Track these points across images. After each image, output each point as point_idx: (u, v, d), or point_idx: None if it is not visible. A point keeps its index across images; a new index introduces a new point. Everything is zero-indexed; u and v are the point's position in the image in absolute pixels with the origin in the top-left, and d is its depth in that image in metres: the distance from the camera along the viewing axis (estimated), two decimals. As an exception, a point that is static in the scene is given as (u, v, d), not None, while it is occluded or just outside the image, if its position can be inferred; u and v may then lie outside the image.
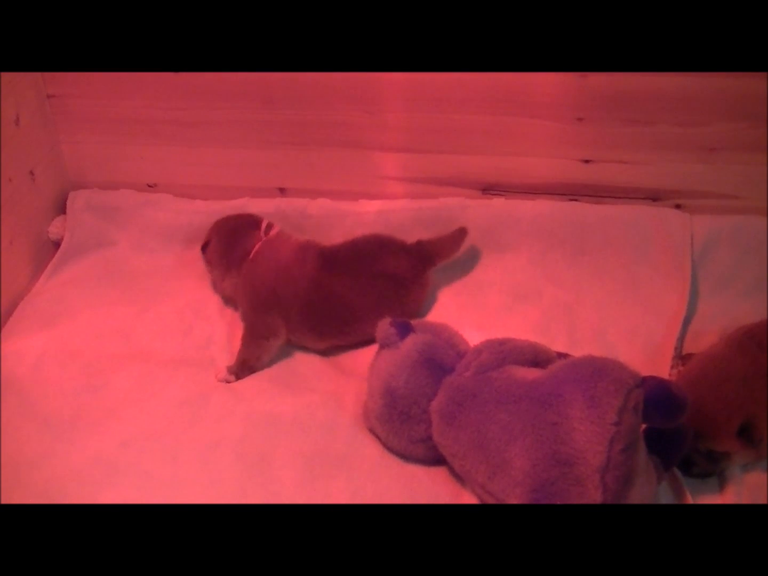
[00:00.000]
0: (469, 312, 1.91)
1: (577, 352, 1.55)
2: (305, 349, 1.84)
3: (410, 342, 1.56)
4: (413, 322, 1.62)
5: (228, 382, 1.77)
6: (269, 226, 1.95)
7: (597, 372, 1.35)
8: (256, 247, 1.92)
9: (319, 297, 1.83)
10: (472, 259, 2.01)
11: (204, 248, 2.00)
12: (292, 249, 1.91)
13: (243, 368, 1.80)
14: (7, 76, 1.92)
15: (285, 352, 1.83)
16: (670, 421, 1.35)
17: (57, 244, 2.13)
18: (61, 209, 2.16)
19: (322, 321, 1.84)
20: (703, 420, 1.45)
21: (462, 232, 1.93)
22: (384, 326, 1.60)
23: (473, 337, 1.63)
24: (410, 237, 1.97)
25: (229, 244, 1.95)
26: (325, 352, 1.84)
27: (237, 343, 1.84)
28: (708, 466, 1.50)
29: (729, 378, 1.48)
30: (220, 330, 1.90)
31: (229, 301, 1.98)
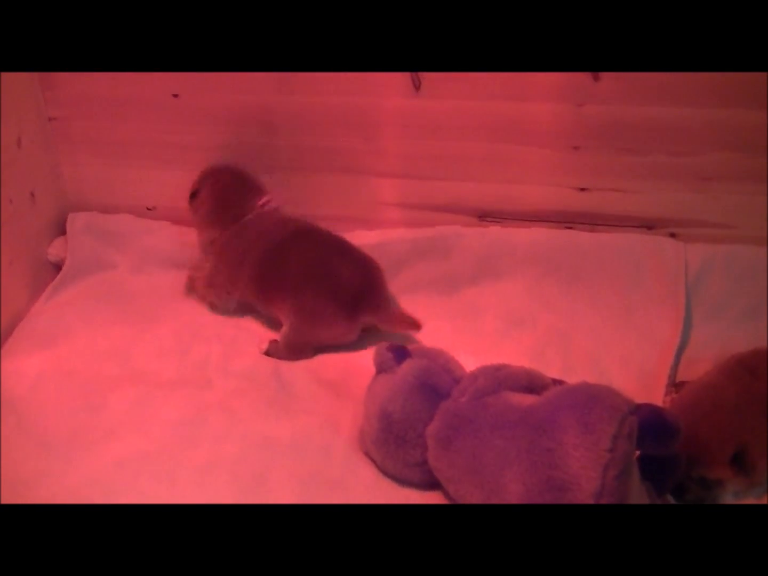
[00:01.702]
0: (464, 337, 1.92)
1: (572, 378, 1.56)
2: (302, 372, 1.85)
3: (407, 367, 1.57)
4: (410, 347, 1.63)
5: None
6: (267, 202, 2.01)
7: (591, 398, 1.36)
8: (249, 216, 1.98)
9: (268, 267, 1.93)
10: (468, 286, 2.02)
11: (192, 196, 2.04)
12: (272, 222, 1.98)
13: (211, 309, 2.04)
14: (9, 98, 1.94)
15: (283, 375, 1.83)
16: (663, 448, 1.36)
17: (56, 266, 2.14)
18: (61, 231, 2.18)
19: (266, 287, 1.94)
20: (697, 447, 1.46)
21: (413, 326, 1.83)
22: (381, 351, 1.61)
23: (468, 362, 1.64)
24: (408, 267, 2.01)
25: (221, 205, 2.01)
26: (320, 378, 1.84)
27: (234, 365, 1.86)
28: (701, 494, 1.50)
29: (722, 405, 1.49)
30: (218, 351, 1.90)
31: (202, 247, 2.07)
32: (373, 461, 1.60)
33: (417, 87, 1.91)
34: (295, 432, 1.66)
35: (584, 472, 1.30)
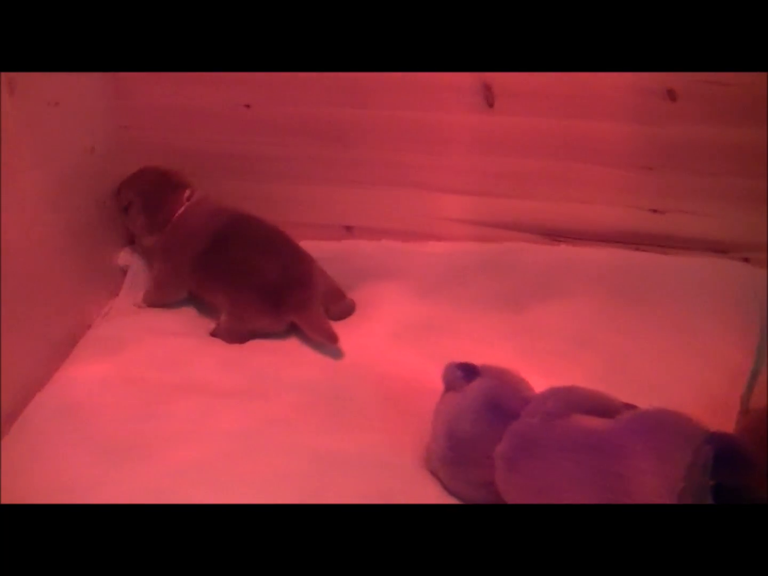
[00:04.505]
0: (528, 357, 1.88)
1: (638, 402, 1.53)
2: (366, 387, 1.83)
3: (476, 386, 1.55)
4: (480, 366, 1.61)
5: (139, 307, 2.08)
6: (191, 194, 2.06)
7: (665, 425, 1.34)
8: (179, 211, 2.03)
9: (204, 262, 1.99)
10: (533, 304, 2.00)
11: (125, 211, 2.09)
12: (206, 214, 2.04)
13: (151, 305, 2.09)
14: (84, 106, 1.98)
15: (345, 389, 1.82)
16: (739, 479, 1.33)
17: (125, 272, 2.17)
18: (130, 238, 2.20)
19: (203, 280, 2.01)
20: None
21: (329, 338, 1.91)
22: (450, 369, 1.59)
23: (532, 382, 1.61)
24: (473, 280, 1.99)
25: (153, 207, 2.05)
26: (385, 394, 1.82)
27: (295, 378, 1.84)
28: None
29: None
30: (279, 363, 1.89)
31: (147, 252, 2.14)
32: (439, 480, 1.58)
33: (490, 104, 1.90)
34: (357, 447, 1.64)
35: (656, 500, 1.28)
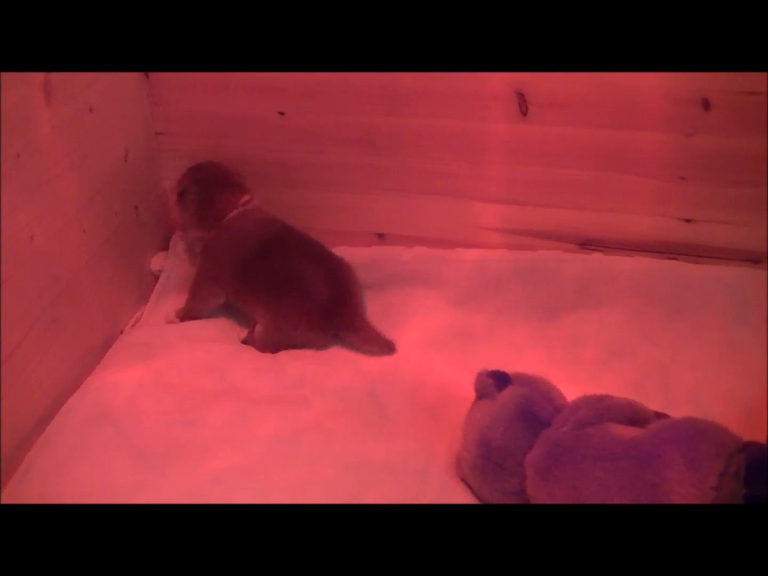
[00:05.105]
0: (562, 366, 1.88)
1: (672, 412, 1.53)
2: (399, 394, 1.83)
3: (508, 394, 1.55)
4: (511, 374, 1.61)
5: (172, 323, 2.04)
6: (249, 200, 2.05)
7: (698, 434, 1.34)
8: (231, 214, 2.02)
9: (248, 270, 1.98)
10: (567, 313, 1.99)
11: (180, 196, 2.07)
12: (256, 222, 2.04)
13: (186, 316, 2.05)
14: (119, 113, 2.00)
15: (379, 397, 1.82)
16: (772, 489, 1.33)
17: (158, 278, 2.18)
18: (163, 245, 2.21)
19: (244, 288, 2.00)
20: None
21: (386, 348, 1.94)
22: (482, 377, 1.59)
23: (566, 391, 1.61)
24: (507, 288, 1.99)
25: (207, 203, 2.04)
26: (417, 402, 1.82)
27: (330, 385, 1.85)
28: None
29: None
30: (313, 370, 1.89)
31: (190, 248, 2.14)
32: (470, 488, 1.58)
33: (524, 112, 1.90)
34: (390, 455, 1.64)
35: (688, 509, 1.27)
